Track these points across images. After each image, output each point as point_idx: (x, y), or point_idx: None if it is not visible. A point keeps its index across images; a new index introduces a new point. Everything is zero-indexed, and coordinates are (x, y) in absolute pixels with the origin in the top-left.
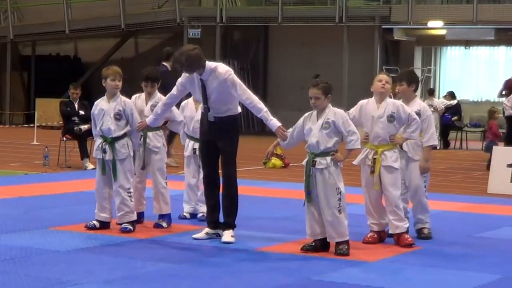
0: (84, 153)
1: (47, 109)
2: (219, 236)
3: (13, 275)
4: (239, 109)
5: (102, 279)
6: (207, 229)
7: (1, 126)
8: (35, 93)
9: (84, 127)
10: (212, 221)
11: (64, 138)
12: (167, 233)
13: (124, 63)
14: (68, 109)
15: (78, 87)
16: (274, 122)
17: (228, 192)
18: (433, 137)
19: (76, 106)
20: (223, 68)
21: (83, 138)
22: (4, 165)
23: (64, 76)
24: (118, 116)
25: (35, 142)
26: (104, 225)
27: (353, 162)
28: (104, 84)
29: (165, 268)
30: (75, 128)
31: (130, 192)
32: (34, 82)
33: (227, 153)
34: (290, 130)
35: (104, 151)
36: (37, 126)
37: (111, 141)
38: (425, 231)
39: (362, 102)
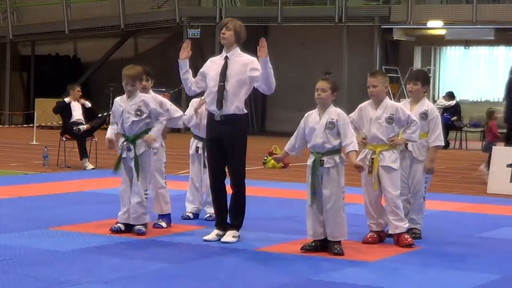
0: (84, 153)
1: (47, 109)
2: None
3: (13, 275)
4: (246, 110)
5: (102, 279)
6: (216, 231)
7: (1, 126)
8: (34, 93)
9: (83, 127)
10: (220, 222)
11: (64, 138)
12: (167, 233)
13: (124, 63)
14: (62, 102)
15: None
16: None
17: (236, 193)
18: (439, 137)
19: (76, 105)
20: (251, 56)
21: (82, 138)
22: (3, 165)
23: (63, 76)
24: None
25: (34, 142)
26: (129, 227)
27: None
28: None
29: (165, 268)
30: (74, 128)
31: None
32: (34, 82)
33: (235, 153)
34: (292, 139)
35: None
36: (37, 126)
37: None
38: (416, 231)
39: (361, 105)
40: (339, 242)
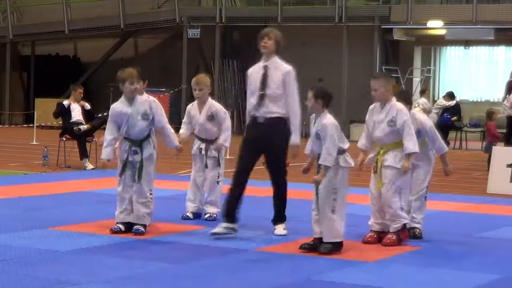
0: (84, 153)
1: (47, 109)
2: (235, 231)
3: (13, 275)
4: (287, 114)
5: (102, 279)
6: (224, 224)
7: (1, 126)
8: (34, 93)
9: (84, 127)
10: (230, 213)
11: (64, 138)
12: (167, 233)
13: (124, 63)
14: (62, 107)
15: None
16: (295, 139)
17: (279, 193)
18: (442, 145)
19: (76, 106)
20: (288, 65)
21: (82, 138)
22: (3, 165)
23: (63, 76)
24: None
25: (34, 142)
26: (129, 227)
27: (365, 162)
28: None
29: (165, 268)
30: (74, 128)
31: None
32: (34, 82)
33: (275, 156)
34: (308, 143)
35: None
36: (37, 126)
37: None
38: (417, 231)
39: (371, 106)
40: (329, 242)
